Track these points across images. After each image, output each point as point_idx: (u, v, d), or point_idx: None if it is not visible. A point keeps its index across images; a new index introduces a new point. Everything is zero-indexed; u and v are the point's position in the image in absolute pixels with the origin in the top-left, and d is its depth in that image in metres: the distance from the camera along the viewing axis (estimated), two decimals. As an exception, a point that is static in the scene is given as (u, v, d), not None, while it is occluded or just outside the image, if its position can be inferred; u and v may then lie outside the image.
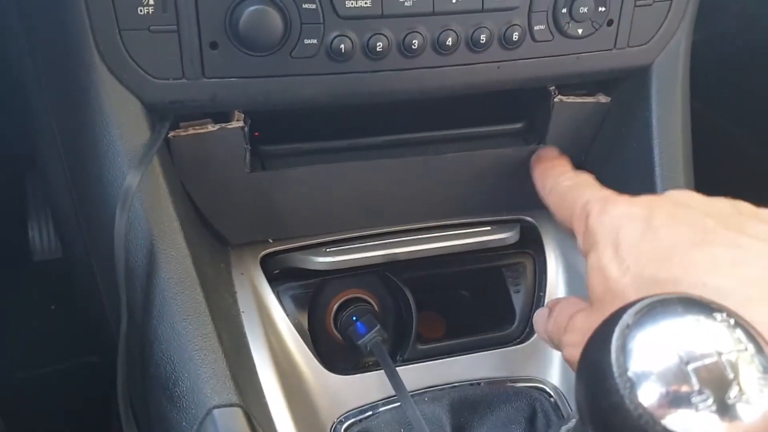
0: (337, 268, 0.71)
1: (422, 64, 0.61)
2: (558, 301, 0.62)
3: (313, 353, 0.68)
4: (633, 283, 0.49)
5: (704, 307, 0.35)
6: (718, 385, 0.33)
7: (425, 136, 0.72)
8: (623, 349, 0.34)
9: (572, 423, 0.46)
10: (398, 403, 0.65)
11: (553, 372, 0.72)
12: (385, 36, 0.59)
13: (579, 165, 0.70)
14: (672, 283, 0.46)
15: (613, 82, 0.72)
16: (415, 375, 0.69)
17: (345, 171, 0.70)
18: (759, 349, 0.34)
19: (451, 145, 0.73)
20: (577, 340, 0.55)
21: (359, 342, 0.69)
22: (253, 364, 0.63)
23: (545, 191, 0.66)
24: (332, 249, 0.71)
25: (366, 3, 0.58)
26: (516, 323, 0.76)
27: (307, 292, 0.72)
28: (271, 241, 0.72)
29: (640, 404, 0.33)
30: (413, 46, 0.60)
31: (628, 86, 0.71)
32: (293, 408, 0.61)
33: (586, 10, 0.63)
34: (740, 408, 0.32)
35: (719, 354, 0.33)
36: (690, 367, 0.33)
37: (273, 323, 0.67)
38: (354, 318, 0.70)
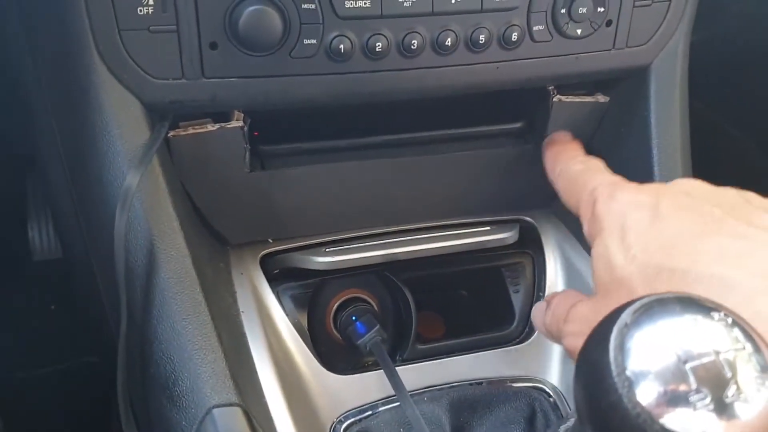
0: (337, 267, 0.71)
1: (421, 64, 0.61)
2: (556, 294, 0.61)
3: (312, 353, 0.68)
4: (639, 271, 0.49)
5: (702, 306, 0.35)
6: (716, 384, 0.33)
7: (424, 135, 0.73)
8: (621, 348, 0.34)
9: (571, 422, 0.46)
10: (398, 403, 0.65)
11: (553, 372, 0.72)
12: (384, 36, 0.59)
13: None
14: (678, 272, 0.46)
15: (612, 82, 0.72)
16: (415, 375, 0.69)
17: (344, 171, 0.70)
18: (756, 348, 0.34)
19: (450, 145, 0.73)
20: (578, 329, 0.54)
21: (359, 342, 0.69)
22: (252, 363, 0.63)
23: (554, 174, 0.66)
24: (332, 249, 0.71)
25: (365, 3, 0.58)
26: (515, 323, 0.76)
27: (307, 292, 0.72)
28: (270, 240, 0.72)
29: (638, 403, 0.33)
30: (412, 47, 0.60)
31: (627, 86, 0.71)
32: (293, 407, 0.61)
33: (585, 10, 0.63)
34: (738, 407, 0.33)
35: (717, 353, 0.33)
36: (688, 366, 0.33)
37: (273, 323, 0.67)
38: (353, 318, 0.70)
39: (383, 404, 0.67)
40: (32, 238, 0.95)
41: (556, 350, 0.73)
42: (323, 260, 0.70)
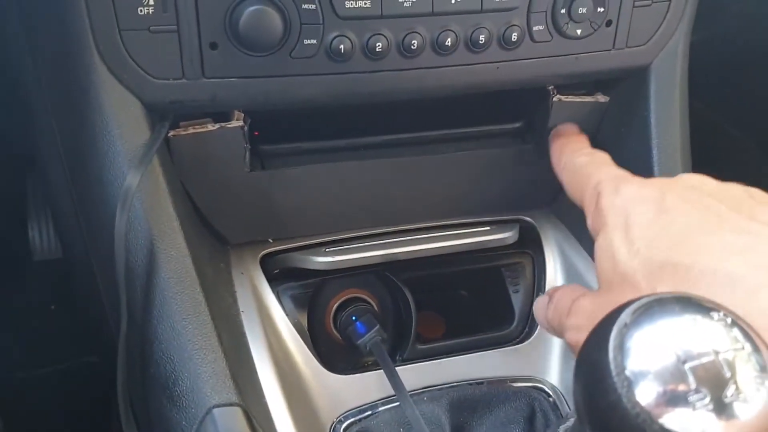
0: (337, 267, 0.71)
1: (421, 64, 0.61)
2: (558, 288, 0.61)
3: (312, 353, 0.68)
4: (642, 266, 0.49)
5: (701, 306, 0.35)
6: (715, 384, 0.33)
7: (424, 135, 0.73)
8: (621, 348, 0.34)
9: (570, 422, 0.46)
10: (397, 403, 0.65)
11: (552, 372, 0.72)
12: (384, 36, 0.59)
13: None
14: (682, 268, 0.46)
15: (612, 82, 0.72)
16: (415, 375, 0.69)
17: (344, 170, 0.70)
18: (755, 348, 0.34)
19: (449, 145, 0.73)
20: (580, 323, 0.54)
21: (359, 342, 0.69)
22: (252, 363, 0.63)
23: (559, 166, 0.66)
24: (332, 249, 0.71)
25: (365, 3, 0.58)
26: (515, 323, 0.76)
27: (307, 292, 0.72)
28: (270, 240, 0.72)
29: (637, 403, 0.33)
30: (413, 47, 0.60)
31: (626, 86, 0.71)
32: (293, 407, 0.61)
33: (584, 10, 0.63)
34: (737, 407, 0.33)
35: (716, 353, 0.33)
36: (687, 366, 0.33)
37: (273, 323, 0.67)
38: (353, 318, 0.70)
39: (383, 404, 0.67)
40: (32, 238, 0.95)
41: (555, 350, 0.73)
42: (323, 260, 0.70)
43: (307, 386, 0.66)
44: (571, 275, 0.76)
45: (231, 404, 0.52)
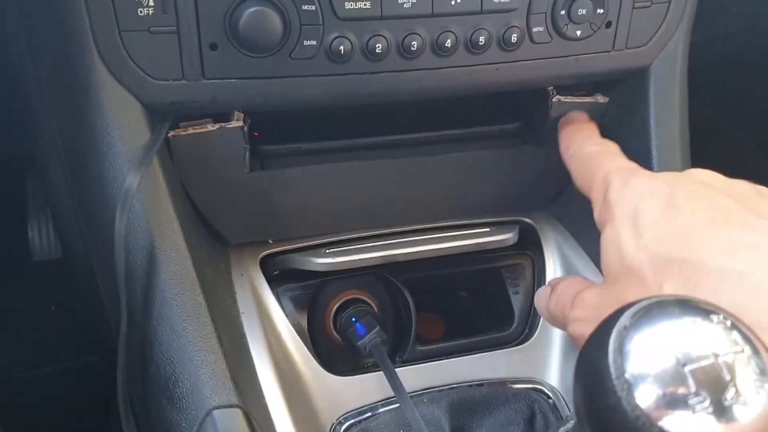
0: (337, 269, 0.71)
1: (421, 65, 0.61)
2: (561, 279, 0.61)
3: (312, 354, 0.68)
4: (649, 260, 0.49)
5: (701, 309, 0.35)
6: (715, 387, 0.33)
7: (424, 136, 0.73)
8: (620, 351, 0.34)
9: (570, 424, 0.46)
10: (397, 405, 0.65)
11: (552, 373, 0.72)
12: (384, 37, 0.59)
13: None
14: (690, 264, 0.46)
15: (611, 83, 0.72)
16: (415, 376, 0.69)
17: (344, 171, 0.70)
18: (755, 351, 0.34)
19: (449, 146, 0.73)
20: (584, 316, 0.54)
21: (358, 343, 0.69)
22: (252, 365, 0.63)
23: (568, 155, 0.65)
24: (332, 250, 0.71)
25: (365, 4, 0.58)
26: (515, 324, 0.76)
27: (307, 293, 0.72)
28: (270, 241, 0.72)
29: (637, 406, 0.33)
30: (412, 48, 0.60)
31: (626, 87, 0.71)
32: (293, 409, 0.61)
33: (584, 11, 0.63)
34: (737, 409, 0.33)
35: (716, 356, 0.33)
36: (687, 368, 0.33)
37: (272, 324, 0.67)
38: (353, 319, 0.70)
39: (383, 405, 0.67)
40: (32, 238, 0.95)
41: (555, 351, 0.73)
42: (323, 261, 0.70)
43: (307, 387, 0.66)
44: (571, 276, 0.76)
45: (231, 406, 0.52)
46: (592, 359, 0.35)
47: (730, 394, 0.33)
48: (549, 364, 0.73)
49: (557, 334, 0.73)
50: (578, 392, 0.36)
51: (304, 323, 0.71)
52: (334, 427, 0.66)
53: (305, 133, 0.70)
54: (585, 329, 0.37)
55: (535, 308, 0.75)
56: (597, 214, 0.56)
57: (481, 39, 0.61)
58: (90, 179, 0.60)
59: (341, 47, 0.58)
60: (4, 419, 0.95)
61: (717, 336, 0.34)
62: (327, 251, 0.71)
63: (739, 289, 0.44)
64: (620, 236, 0.51)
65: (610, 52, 0.66)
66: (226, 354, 0.55)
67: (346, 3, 0.57)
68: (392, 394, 0.64)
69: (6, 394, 1.03)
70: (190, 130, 0.62)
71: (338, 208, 0.72)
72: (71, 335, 1.07)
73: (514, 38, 0.62)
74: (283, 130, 0.69)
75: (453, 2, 0.60)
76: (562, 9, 0.63)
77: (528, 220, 0.78)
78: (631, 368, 0.34)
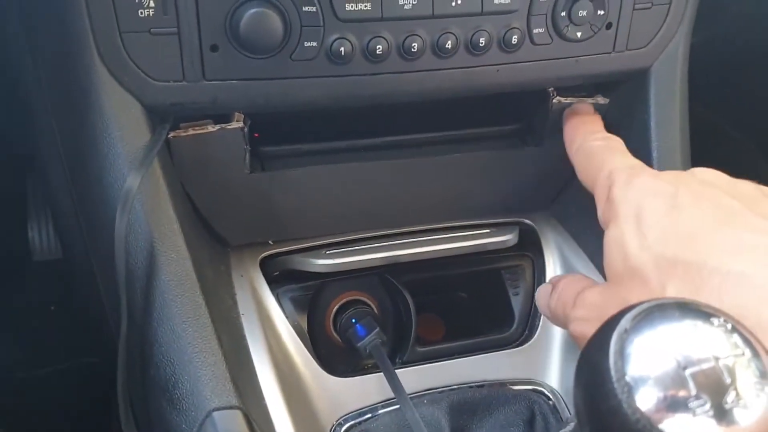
0: (337, 270, 0.71)
1: (422, 67, 0.61)
2: (562, 277, 0.60)
3: (312, 355, 0.68)
4: (653, 261, 0.48)
5: (701, 311, 0.35)
6: (716, 390, 0.33)
7: (424, 137, 0.73)
8: (621, 353, 0.34)
9: (570, 426, 0.46)
10: (397, 406, 0.65)
11: (552, 374, 0.72)
12: (384, 39, 0.59)
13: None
14: (693, 266, 0.46)
15: (612, 84, 0.72)
16: (415, 377, 0.69)
17: (345, 172, 0.70)
18: (755, 354, 0.34)
19: (449, 147, 0.73)
20: (586, 315, 0.54)
21: (358, 344, 0.69)
22: (252, 366, 0.63)
23: (572, 148, 0.65)
24: (332, 251, 0.71)
25: (366, 6, 0.58)
26: (515, 326, 0.76)
27: (307, 295, 0.72)
28: (271, 242, 0.72)
29: (637, 409, 0.33)
30: (413, 49, 0.60)
31: (626, 88, 0.71)
32: (292, 410, 0.62)
33: (585, 13, 0.63)
34: (737, 413, 0.33)
35: (716, 359, 0.33)
36: (687, 371, 0.33)
37: (272, 325, 0.67)
38: (353, 320, 0.70)
39: (383, 407, 0.67)
40: (32, 238, 0.95)
41: (555, 353, 0.73)
42: (323, 262, 0.70)
43: (307, 389, 0.66)
44: (571, 277, 0.76)
45: (231, 407, 0.52)
46: (593, 361, 0.35)
47: (730, 397, 0.33)
48: (549, 365, 0.73)
49: (557, 336, 0.73)
50: (579, 394, 0.36)
51: (304, 324, 0.71)
52: (334, 429, 0.66)
53: (305, 134, 0.70)
54: (587, 329, 0.37)
55: (535, 309, 0.75)
56: (600, 213, 0.56)
57: (482, 40, 0.61)
58: (90, 180, 0.60)
59: (342, 48, 0.58)
60: (4, 419, 0.95)
61: (717, 339, 0.34)
62: (327, 252, 0.71)
63: (742, 290, 0.44)
64: (624, 235, 0.51)
65: (610, 53, 0.66)
66: (226, 355, 0.55)
67: (346, 4, 0.57)
68: (392, 395, 0.65)
69: (6, 394, 1.03)
70: (191, 131, 0.62)
71: (338, 209, 0.72)
72: (71, 335, 1.07)
73: (514, 40, 0.62)
74: (283, 131, 0.69)
75: (453, 3, 0.60)
76: (563, 10, 0.63)
77: (528, 221, 0.78)
78: (632, 371, 0.34)
